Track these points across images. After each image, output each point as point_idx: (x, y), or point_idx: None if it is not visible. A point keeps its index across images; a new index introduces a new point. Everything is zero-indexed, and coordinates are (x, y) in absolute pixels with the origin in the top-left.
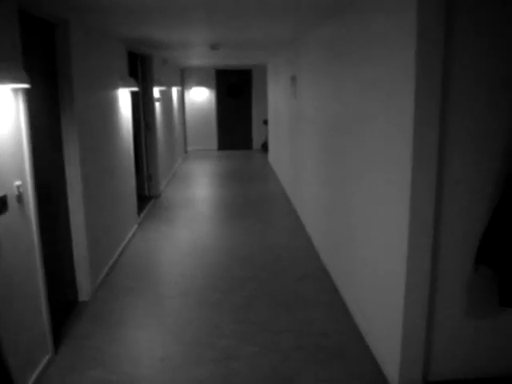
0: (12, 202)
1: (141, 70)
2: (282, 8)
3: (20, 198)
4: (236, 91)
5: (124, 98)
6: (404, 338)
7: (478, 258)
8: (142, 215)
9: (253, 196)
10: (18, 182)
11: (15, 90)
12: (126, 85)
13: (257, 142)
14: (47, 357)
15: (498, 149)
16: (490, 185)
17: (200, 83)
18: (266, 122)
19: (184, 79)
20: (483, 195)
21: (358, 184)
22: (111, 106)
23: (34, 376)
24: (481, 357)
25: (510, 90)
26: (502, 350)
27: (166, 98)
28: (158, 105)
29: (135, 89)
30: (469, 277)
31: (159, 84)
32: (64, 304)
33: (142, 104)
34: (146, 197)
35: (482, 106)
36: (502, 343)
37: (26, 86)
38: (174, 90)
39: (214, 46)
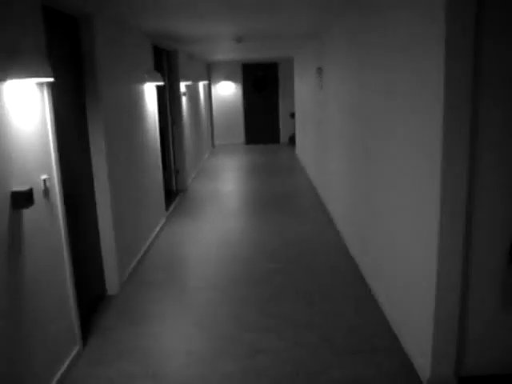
0: (38, 196)
1: (167, 65)
2: None
3: (46, 192)
4: (262, 85)
5: (150, 92)
6: (436, 332)
7: None
8: (169, 209)
9: (280, 190)
10: (44, 176)
11: (40, 84)
12: (151, 79)
13: (284, 136)
14: (76, 349)
15: None
16: None
17: (226, 77)
18: (293, 116)
19: (210, 73)
20: None
21: (386, 175)
22: (137, 101)
23: (63, 368)
24: None
25: None
26: None
27: (192, 92)
28: (184, 99)
29: (161, 83)
30: (503, 270)
31: (185, 78)
32: (92, 298)
33: (168, 99)
34: (174, 191)
35: None
36: None
37: (50, 79)
38: (201, 85)
39: (238, 39)
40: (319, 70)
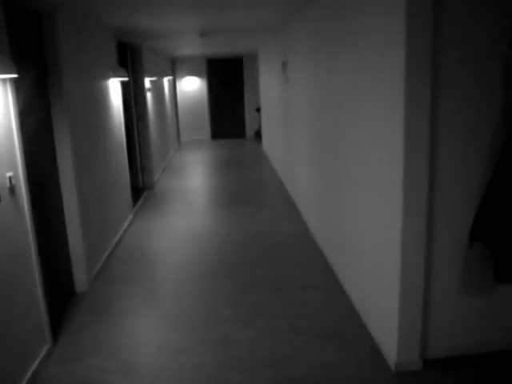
0: (4, 194)
1: (131, 60)
2: None
3: (12, 190)
4: (228, 80)
5: (115, 88)
6: (401, 318)
7: (473, 235)
8: (136, 206)
9: (247, 184)
10: (9, 174)
11: (3, 81)
12: (115, 74)
13: (250, 131)
14: (46, 348)
15: (491, 124)
16: (484, 161)
17: (191, 73)
18: (258, 110)
19: (175, 69)
20: (477, 171)
21: (351, 167)
22: (102, 97)
23: (33, 366)
24: (477, 333)
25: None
26: (497, 326)
27: (157, 88)
28: (149, 95)
29: (125, 79)
30: (464, 254)
31: (150, 74)
32: (61, 295)
33: (133, 95)
34: (140, 188)
35: (470, 79)
36: (498, 319)
37: (13, 76)
38: (166, 80)
39: (202, 34)
40: (284, 64)
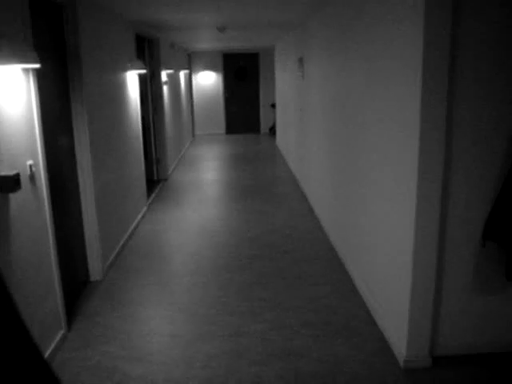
0: (25, 181)
1: (148, 53)
2: None
3: (32, 178)
4: (243, 74)
5: (132, 80)
6: (411, 314)
7: (486, 234)
8: (150, 198)
9: (260, 179)
10: (30, 162)
11: (26, 71)
12: (134, 67)
13: (264, 126)
14: (61, 333)
15: (508, 120)
16: (499, 159)
17: (207, 67)
18: (273, 106)
19: (191, 63)
20: (492, 169)
21: (365, 166)
22: (120, 88)
23: (48, 351)
24: (487, 332)
25: None
26: (508, 326)
27: (173, 81)
28: (165, 88)
29: (143, 71)
30: (477, 252)
31: (167, 67)
32: (76, 283)
33: (149, 87)
34: (155, 180)
35: (491, 70)
36: (509, 319)
37: (36, 66)
38: (182, 74)
39: (221, 28)
40: (301, 60)
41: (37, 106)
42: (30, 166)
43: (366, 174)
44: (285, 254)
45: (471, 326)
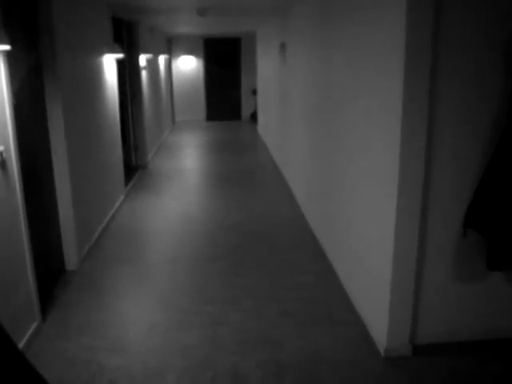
0: None
1: (126, 37)
2: None
3: (3, 164)
4: (224, 60)
5: (109, 65)
6: (391, 303)
7: (467, 222)
8: (129, 185)
9: (242, 166)
10: (0, 148)
11: None
12: (110, 51)
13: (246, 113)
14: (35, 324)
15: (489, 110)
16: (479, 148)
17: (188, 52)
18: (255, 92)
19: (171, 48)
20: (473, 159)
21: (346, 152)
22: (96, 73)
23: (22, 343)
24: (468, 320)
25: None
26: (488, 314)
27: (152, 66)
28: (144, 73)
29: (120, 55)
30: (457, 241)
31: (145, 52)
32: (51, 273)
33: (127, 73)
34: (133, 167)
35: (472, 67)
36: (489, 307)
37: (6, 47)
38: (161, 59)
39: (201, 12)
40: (283, 46)
41: (7, 90)
42: (1, 153)
43: (347, 161)
44: (266, 241)
45: (452, 315)
